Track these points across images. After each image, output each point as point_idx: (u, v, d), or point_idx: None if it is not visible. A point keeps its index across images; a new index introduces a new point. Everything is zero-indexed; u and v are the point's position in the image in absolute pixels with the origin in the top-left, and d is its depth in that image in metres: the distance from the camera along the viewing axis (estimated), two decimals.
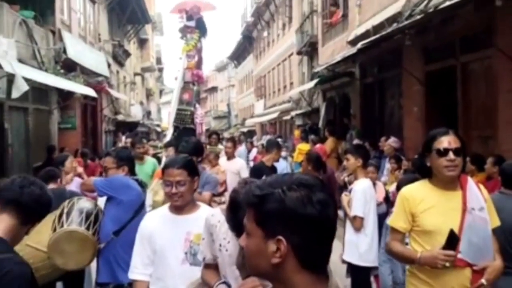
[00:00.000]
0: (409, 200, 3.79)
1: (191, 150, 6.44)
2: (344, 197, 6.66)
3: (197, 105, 12.55)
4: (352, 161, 6.47)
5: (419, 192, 3.80)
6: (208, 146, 11.25)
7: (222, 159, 9.86)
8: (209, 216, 3.45)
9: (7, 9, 13.33)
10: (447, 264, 3.49)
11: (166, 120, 20.33)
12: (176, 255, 3.81)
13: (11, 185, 2.79)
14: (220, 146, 11.34)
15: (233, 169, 9.50)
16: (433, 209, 3.68)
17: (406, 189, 3.95)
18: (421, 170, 3.94)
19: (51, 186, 5.96)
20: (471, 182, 3.75)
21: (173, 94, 12.72)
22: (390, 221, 3.96)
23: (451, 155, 3.57)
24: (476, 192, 3.71)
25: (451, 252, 3.47)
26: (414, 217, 3.74)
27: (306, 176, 1.75)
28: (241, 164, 10.13)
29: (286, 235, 1.63)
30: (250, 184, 1.80)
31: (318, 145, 15.32)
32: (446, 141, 3.61)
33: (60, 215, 4.92)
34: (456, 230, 3.54)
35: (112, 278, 5.12)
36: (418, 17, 10.49)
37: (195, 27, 12.74)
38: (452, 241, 3.48)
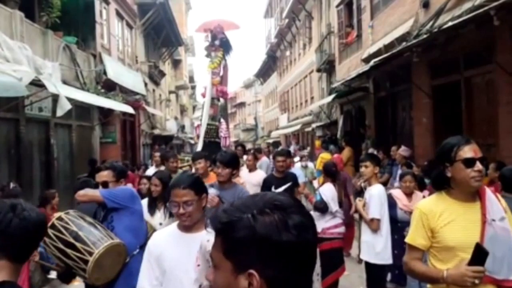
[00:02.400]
0: (427, 215, 3.26)
1: (228, 162, 5.99)
2: (358, 202, 6.78)
3: (221, 120, 12.22)
4: (370, 169, 6.46)
5: (437, 206, 3.27)
6: None
7: (244, 171, 9.58)
8: (204, 242, 3.04)
9: (51, 35, 13.59)
10: (477, 281, 2.95)
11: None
12: (188, 275, 3.37)
13: None
14: (245, 158, 10.98)
15: (253, 181, 9.07)
16: (454, 223, 3.18)
17: (423, 203, 3.42)
18: (438, 182, 3.35)
19: None
20: (489, 192, 3.28)
21: (203, 110, 12.29)
22: (408, 238, 3.43)
23: (478, 165, 3.11)
24: (495, 202, 3.25)
25: (480, 268, 2.92)
26: (434, 232, 3.23)
27: (280, 197, 1.44)
28: (262, 176, 9.44)
29: (258, 267, 1.32)
30: (217, 209, 1.38)
31: (336, 155, 15.34)
32: (471, 150, 3.13)
33: (77, 236, 4.38)
34: None
35: (130, 286, 4.60)
36: (425, 36, 10.53)
37: (219, 45, 12.41)
38: (480, 255, 2.92)
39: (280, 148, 30.62)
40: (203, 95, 12.43)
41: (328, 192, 7.82)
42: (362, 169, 6.62)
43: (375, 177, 6.58)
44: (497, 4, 7.69)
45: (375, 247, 6.34)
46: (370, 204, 6.40)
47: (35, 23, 13.15)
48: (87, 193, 5.01)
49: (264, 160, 12.79)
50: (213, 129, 11.79)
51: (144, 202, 5.90)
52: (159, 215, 5.90)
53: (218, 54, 12.27)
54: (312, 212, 8.07)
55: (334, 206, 7.76)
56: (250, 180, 9.04)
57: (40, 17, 13.79)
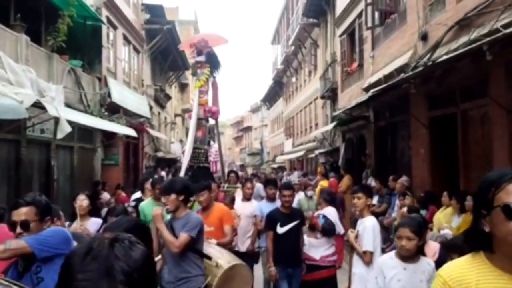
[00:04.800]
0: (451, 287, 2.12)
1: (167, 189, 5.44)
2: (350, 234, 6.71)
3: (211, 143, 11.42)
4: (362, 200, 6.45)
5: (468, 274, 2.11)
6: (226, 185, 10.56)
7: (237, 200, 8.95)
8: None
9: (57, 59, 13.72)
10: None
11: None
12: None
13: None
14: (239, 185, 10.28)
15: (247, 212, 8.54)
16: None
17: (449, 270, 2.21)
18: (474, 239, 2.17)
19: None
20: None
21: (189, 133, 11.14)
22: None
23: None
24: None
25: None
26: None
27: None
28: (254, 206, 8.80)
29: None
30: None
31: (331, 179, 15.42)
32: None
33: None
34: None
35: None
36: (422, 68, 10.59)
37: (205, 61, 11.40)
38: None
39: (285, 175, 30.42)
40: (190, 117, 11.63)
41: (333, 214, 7.88)
42: (355, 201, 6.57)
43: (367, 208, 6.58)
44: (490, 39, 7.77)
45: (367, 280, 6.21)
46: (363, 236, 6.35)
47: (41, 47, 13.31)
48: (8, 247, 3.67)
49: (258, 186, 12.47)
50: (201, 153, 10.90)
51: None
52: None
53: (204, 71, 11.31)
54: (309, 239, 7.91)
55: (340, 228, 7.81)
56: (244, 211, 8.55)
57: (46, 41, 13.95)
